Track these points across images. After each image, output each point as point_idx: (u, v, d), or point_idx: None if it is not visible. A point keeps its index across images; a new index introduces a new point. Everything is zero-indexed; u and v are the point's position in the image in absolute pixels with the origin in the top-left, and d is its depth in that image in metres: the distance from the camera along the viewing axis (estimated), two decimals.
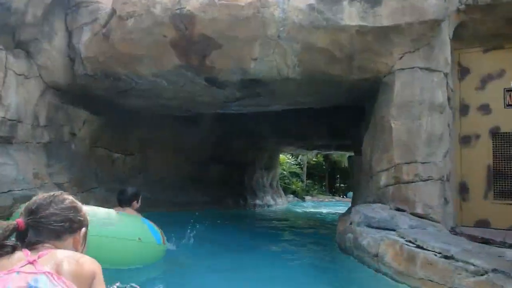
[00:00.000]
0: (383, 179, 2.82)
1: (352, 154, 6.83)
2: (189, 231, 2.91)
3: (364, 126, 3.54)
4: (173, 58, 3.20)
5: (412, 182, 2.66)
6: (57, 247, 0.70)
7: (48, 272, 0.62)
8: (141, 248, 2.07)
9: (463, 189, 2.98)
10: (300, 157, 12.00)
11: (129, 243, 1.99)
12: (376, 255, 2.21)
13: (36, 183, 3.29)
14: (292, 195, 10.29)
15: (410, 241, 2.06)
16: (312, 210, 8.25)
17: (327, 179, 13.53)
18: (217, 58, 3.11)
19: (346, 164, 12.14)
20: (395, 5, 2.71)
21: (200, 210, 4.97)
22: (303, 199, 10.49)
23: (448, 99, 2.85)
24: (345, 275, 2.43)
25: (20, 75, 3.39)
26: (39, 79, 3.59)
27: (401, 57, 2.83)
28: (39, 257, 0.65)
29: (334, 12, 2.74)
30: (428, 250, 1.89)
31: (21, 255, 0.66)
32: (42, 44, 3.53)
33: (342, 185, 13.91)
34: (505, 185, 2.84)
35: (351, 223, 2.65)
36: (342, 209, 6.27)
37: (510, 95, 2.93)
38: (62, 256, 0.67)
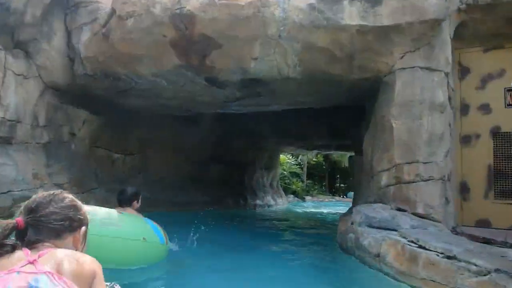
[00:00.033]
0: (384, 179, 2.81)
1: (352, 154, 6.84)
2: (192, 234, 2.91)
3: (364, 126, 3.53)
4: (173, 58, 3.20)
5: (413, 182, 2.66)
6: (57, 246, 0.69)
7: (49, 272, 0.62)
8: (145, 248, 2.07)
9: (463, 189, 2.98)
10: (300, 157, 12.00)
11: (133, 243, 1.99)
12: (378, 255, 2.20)
13: (35, 184, 3.28)
14: (292, 195, 10.30)
15: (412, 241, 2.05)
16: (312, 210, 8.25)
17: (327, 179, 13.55)
18: (217, 58, 3.10)
19: (346, 164, 12.17)
20: (395, 4, 2.71)
21: (200, 210, 4.96)
22: (303, 199, 10.50)
23: (449, 98, 2.84)
24: (346, 275, 2.43)
25: (19, 75, 3.38)
26: (38, 79, 3.58)
27: (401, 57, 2.83)
28: (39, 257, 0.65)
29: (335, 11, 2.73)
30: (430, 250, 1.88)
31: (21, 255, 0.65)
32: (41, 44, 3.52)
33: (342, 185, 13.94)
34: (505, 185, 2.84)
35: (352, 223, 2.64)
36: (342, 209, 6.27)
37: (510, 95, 2.92)
38: (63, 256, 0.66)
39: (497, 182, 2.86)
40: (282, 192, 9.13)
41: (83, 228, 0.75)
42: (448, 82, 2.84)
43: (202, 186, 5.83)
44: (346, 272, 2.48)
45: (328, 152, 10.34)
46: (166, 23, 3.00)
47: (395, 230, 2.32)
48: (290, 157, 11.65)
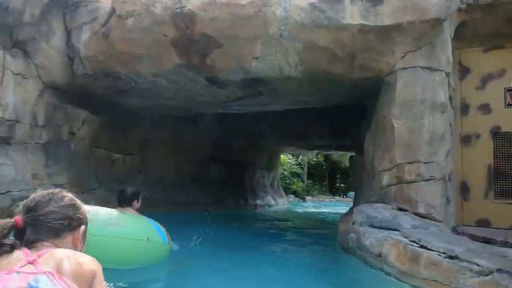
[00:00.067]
0: (385, 178, 2.81)
1: (353, 153, 6.83)
2: (195, 236, 2.89)
3: (365, 126, 3.53)
4: (174, 57, 3.19)
5: (414, 181, 2.66)
6: (56, 245, 0.68)
7: (49, 272, 0.61)
8: (148, 248, 2.07)
9: (464, 189, 2.98)
10: (300, 157, 12.01)
11: (137, 243, 1.99)
12: (379, 255, 2.20)
13: (34, 184, 3.26)
14: (292, 195, 10.30)
15: (413, 241, 2.05)
16: (312, 210, 8.25)
17: (327, 179, 13.56)
18: (218, 57, 3.09)
19: (346, 164, 12.20)
20: (396, 4, 2.71)
21: (200, 210, 4.94)
22: (303, 199, 10.50)
23: (450, 98, 2.85)
24: (348, 275, 2.43)
25: (18, 74, 3.36)
26: (37, 79, 3.55)
27: (403, 56, 2.83)
28: (39, 257, 0.64)
29: (336, 10, 2.73)
30: (432, 250, 1.88)
31: (20, 255, 0.64)
32: (40, 44, 3.50)
33: (342, 185, 13.95)
34: (505, 185, 2.85)
35: (353, 223, 2.64)
36: (342, 209, 6.28)
37: (510, 95, 2.93)
38: (62, 255, 0.65)
39: (497, 182, 2.87)
40: (283, 192, 9.13)
41: (83, 227, 0.74)
42: (449, 82, 2.84)
43: (202, 186, 5.82)
44: (347, 272, 2.48)
45: (328, 152, 10.35)
46: (166, 22, 2.99)
47: (397, 230, 2.32)
48: (291, 157, 11.65)
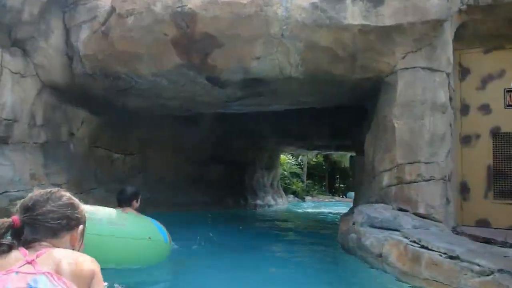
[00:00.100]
0: (386, 179, 2.82)
1: (353, 154, 6.83)
2: (195, 237, 2.90)
3: (366, 126, 3.54)
4: (174, 56, 3.17)
5: (415, 182, 2.67)
6: (54, 245, 0.68)
7: (48, 272, 0.61)
8: (150, 247, 2.07)
9: (463, 189, 3.00)
10: (300, 157, 12.03)
11: (139, 242, 1.99)
12: (380, 255, 2.21)
13: (33, 184, 3.23)
14: (292, 195, 10.32)
15: (414, 241, 2.06)
16: (312, 210, 8.27)
17: (327, 179, 13.60)
18: (218, 57, 3.08)
19: (346, 165, 12.23)
20: (397, 4, 2.71)
21: (200, 210, 4.92)
22: (303, 199, 10.53)
23: (450, 99, 2.86)
24: (348, 275, 2.43)
25: (16, 73, 3.33)
26: (36, 78, 3.52)
27: (403, 57, 2.83)
28: (37, 257, 0.63)
29: (337, 10, 2.73)
30: (433, 250, 1.89)
31: (18, 255, 0.64)
32: (39, 42, 3.47)
33: (341, 185, 14.00)
34: (505, 185, 2.86)
35: (354, 223, 2.65)
36: (342, 209, 6.29)
37: (510, 96, 2.95)
38: (61, 256, 0.65)
39: (497, 182, 2.89)
40: (282, 192, 9.13)
41: (81, 226, 0.74)
42: (449, 83, 2.85)
43: (202, 186, 5.81)
44: (348, 272, 2.48)
45: (328, 152, 10.37)
46: (167, 21, 2.97)
47: (397, 230, 2.33)
48: (291, 157, 11.67)
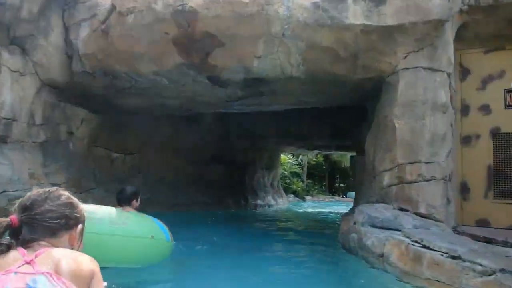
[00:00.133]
0: (386, 179, 2.82)
1: (353, 154, 6.83)
2: (196, 237, 2.89)
3: (366, 126, 3.54)
4: (175, 56, 3.15)
5: (415, 182, 2.67)
6: (52, 245, 0.67)
7: (47, 272, 0.60)
8: (153, 246, 2.07)
9: (464, 189, 3.01)
10: (300, 157, 12.03)
11: (142, 241, 1.99)
12: (381, 255, 2.20)
13: (32, 184, 3.20)
14: (292, 195, 10.34)
15: (416, 241, 2.06)
16: (313, 210, 8.28)
17: (327, 179, 13.63)
18: (219, 56, 3.07)
19: (346, 164, 12.26)
20: (399, 4, 2.71)
21: (201, 210, 4.90)
22: (303, 199, 10.55)
23: (451, 99, 2.86)
24: (349, 275, 2.43)
25: (15, 71, 3.30)
26: (35, 76, 3.49)
27: (405, 57, 2.84)
28: (36, 257, 0.63)
29: (339, 10, 2.72)
30: (435, 250, 1.89)
31: (17, 255, 0.63)
32: (38, 41, 3.44)
33: (341, 185, 14.05)
34: (505, 185, 2.87)
35: (354, 223, 2.64)
36: (342, 208, 6.30)
37: (510, 96, 2.96)
38: (60, 255, 0.64)
39: (497, 182, 2.90)
40: (283, 192, 9.13)
41: (80, 226, 0.73)
42: (450, 83, 2.86)
43: (202, 186, 5.80)
44: (348, 272, 2.48)
45: (328, 152, 10.38)
46: (168, 20, 2.95)
47: (398, 230, 2.33)
48: (291, 157, 11.67)
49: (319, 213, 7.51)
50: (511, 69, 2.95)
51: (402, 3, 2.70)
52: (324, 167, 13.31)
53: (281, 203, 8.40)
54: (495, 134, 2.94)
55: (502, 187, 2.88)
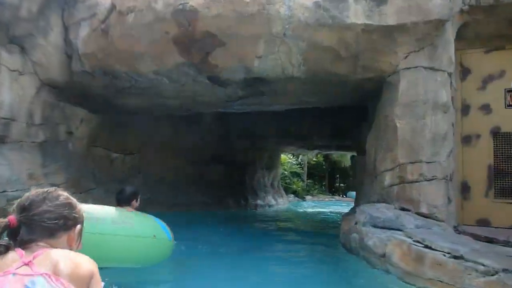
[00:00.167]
0: (388, 178, 2.82)
1: (353, 153, 6.83)
2: (196, 237, 2.87)
3: (366, 126, 3.54)
4: (175, 55, 3.14)
5: (417, 181, 2.67)
6: (51, 245, 0.67)
7: (46, 274, 0.60)
8: (155, 246, 2.06)
9: (464, 188, 3.01)
10: (300, 157, 12.04)
11: (145, 240, 1.98)
12: (383, 255, 2.20)
13: (30, 184, 3.18)
14: (292, 195, 10.35)
15: (418, 241, 2.05)
16: (313, 209, 8.29)
17: (327, 179, 13.66)
18: (220, 56, 3.06)
19: (346, 164, 12.27)
20: (400, 4, 2.71)
21: (201, 210, 4.89)
22: (303, 199, 10.56)
23: (452, 98, 2.86)
24: (350, 275, 2.42)
25: (14, 71, 3.28)
26: (34, 76, 3.47)
27: (405, 57, 2.83)
28: (34, 258, 0.62)
29: (340, 10, 2.72)
30: (437, 250, 1.89)
31: (15, 256, 0.62)
32: (37, 40, 3.42)
33: (341, 184, 14.09)
34: (505, 184, 2.87)
35: (356, 223, 2.64)
36: (342, 208, 6.30)
37: (510, 96, 2.96)
38: (58, 256, 0.64)
39: (497, 182, 2.90)
40: (283, 192, 9.14)
41: (78, 226, 0.72)
42: (451, 82, 2.86)
43: (202, 186, 5.79)
44: (349, 272, 2.48)
45: (328, 152, 10.40)
46: (168, 19, 2.94)
47: (400, 230, 2.33)
48: (291, 157, 11.68)
49: (319, 213, 7.52)
50: (511, 68, 2.96)
51: (403, 3, 2.70)
52: (324, 167, 13.34)
53: (281, 203, 8.41)
54: (496, 133, 2.94)
55: (502, 187, 2.88)
